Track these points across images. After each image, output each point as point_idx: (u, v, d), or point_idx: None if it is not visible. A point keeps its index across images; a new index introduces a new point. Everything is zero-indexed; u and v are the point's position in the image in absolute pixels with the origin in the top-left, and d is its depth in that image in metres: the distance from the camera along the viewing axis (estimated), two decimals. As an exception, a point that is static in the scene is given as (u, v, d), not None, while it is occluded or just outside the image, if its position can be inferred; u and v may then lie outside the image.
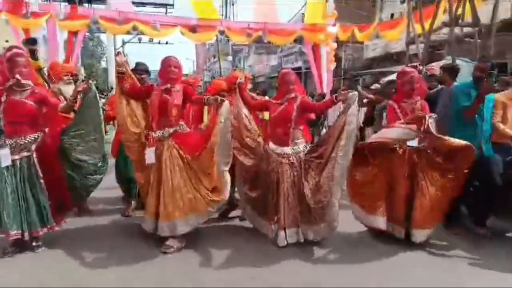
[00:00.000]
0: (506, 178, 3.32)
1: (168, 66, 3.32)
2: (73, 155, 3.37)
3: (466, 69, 5.76)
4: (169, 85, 3.29)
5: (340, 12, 9.67)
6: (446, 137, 3.23)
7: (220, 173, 3.15)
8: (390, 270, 3.00)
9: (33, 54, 3.58)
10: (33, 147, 3.12)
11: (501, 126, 3.51)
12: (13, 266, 2.96)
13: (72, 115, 3.69)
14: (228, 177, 3.18)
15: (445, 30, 6.62)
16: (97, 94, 3.45)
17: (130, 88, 3.43)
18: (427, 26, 6.80)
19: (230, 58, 31.29)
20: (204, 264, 3.05)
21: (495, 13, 5.70)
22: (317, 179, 3.29)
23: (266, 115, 4.01)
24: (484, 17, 6.06)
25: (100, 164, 3.60)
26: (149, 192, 3.36)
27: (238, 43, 30.29)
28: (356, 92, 3.29)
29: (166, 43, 21.71)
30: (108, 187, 4.47)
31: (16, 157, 3.07)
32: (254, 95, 3.98)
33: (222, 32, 9.08)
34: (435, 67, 5.97)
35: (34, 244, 3.16)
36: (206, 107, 4.10)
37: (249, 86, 4.09)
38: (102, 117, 3.47)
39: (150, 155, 3.29)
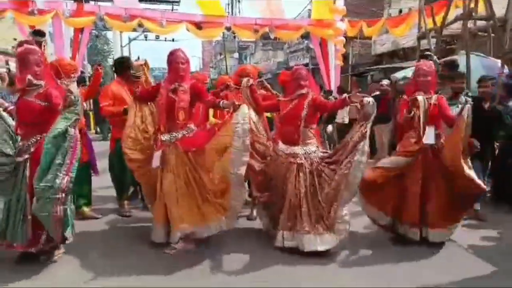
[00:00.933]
0: None
1: (175, 62, 3.17)
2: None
3: (478, 64, 5.62)
4: (176, 84, 3.15)
5: (348, 7, 9.50)
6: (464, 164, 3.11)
7: (229, 176, 3.00)
8: (402, 271, 2.91)
9: (40, 46, 3.40)
10: (32, 149, 2.91)
11: None
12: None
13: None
14: (239, 181, 3.03)
15: (457, 24, 6.45)
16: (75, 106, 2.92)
17: (141, 92, 3.36)
18: (438, 20, 6.63)
19: (236, 55, 31.21)
20: (212, 267, 2.96)
21: (510, 6, 5.51)
22: (330, 188, 3.15)
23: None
24: (499, 10, 5.88)
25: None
26: (157, 201, 3.23)
27: (244, 40, 30.23)
28: (372, 99, 3.12)
29: (172, 40, 21.69)
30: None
31: (20, 159, 2.92)
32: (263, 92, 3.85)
33: (228, 29, 8.95)
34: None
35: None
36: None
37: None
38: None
39: (157, 159, 3.18)
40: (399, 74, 8.14)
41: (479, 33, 6.27)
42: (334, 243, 3.12)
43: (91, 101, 9.84)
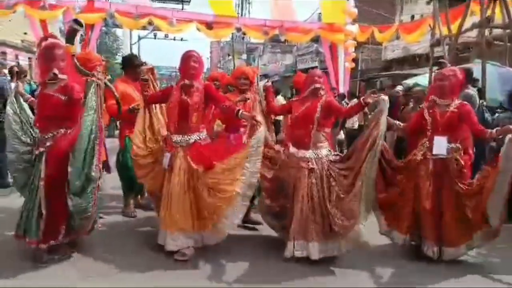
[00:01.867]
0: None
1: (188, 61, 3.12)
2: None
3: (494, 73, 5.50)
4: (187, 82, 3.09)
5: (358, 13, 9.41)
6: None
7: (234, 195, 2.91)
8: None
9: (73, 36, 3.26)
10: (48, 143, 2.86)
11: None
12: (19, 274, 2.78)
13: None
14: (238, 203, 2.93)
15: (470, 32, 6.32)
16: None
17: (151, 96, 3.30)
18: (454, 27, 6.51)
19: (244, 56, 31.19)
20: (217, 278, 2.86)
21: (529, 15, 5.39)
22: (343, 196, 3.02)
23: None
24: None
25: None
26: (162, 203, 3.15)
27: (253, 42, 30.21)
28: (386, 97, 3.00)
29: (181, 39, 21.72)
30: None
31: (37, 152, 2.90)
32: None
33: (239, 30, 8.91)
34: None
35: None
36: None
37: (261, 83, 3.87)
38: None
39: (166, 160, 3.11)
40: (410, 81, 8.03)
41: (495, 42, 6.14)
42: (344, 249, 3.04)
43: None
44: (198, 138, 3.13)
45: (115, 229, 3.74)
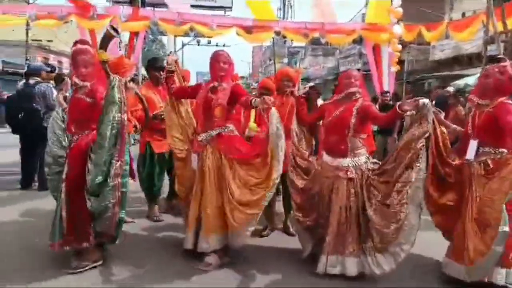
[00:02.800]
0: None
1: (217, 61, 3.07)
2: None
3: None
4: (216, 84, 3.04)
5: (404, 11, 8.98)
6: None
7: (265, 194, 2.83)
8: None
9: (107, 42, 3.30)
10: (72, 145, 2.94)
11: None
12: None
13: None
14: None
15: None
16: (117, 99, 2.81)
17: (177, 89, 3.26)
18: (510, 23, 6.01)
19: (285, 60, 31.10)
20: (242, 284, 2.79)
21: None
22: (383, 200, 2.79)
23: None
24: None
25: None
26: (191, 205, 3.12)
27: (294, 46, 30.03)
28: (427, 100, 2.70)
29: (224, 45, 22.08)
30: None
31: (63, 153, 2.99)
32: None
33: (278, 33, 8.82)
34: None
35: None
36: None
37: (301, 87, 3.75)
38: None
39: (194, 161, 3.10)
40: (460, 82, 7.54)
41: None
42: (388, 267, 2.76)
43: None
44: (223, 130, 3.05)
45: (142, 235, 3.74)
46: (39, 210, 4.33)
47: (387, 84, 8.96)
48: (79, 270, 2.87)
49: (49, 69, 6.15)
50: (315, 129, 3.49)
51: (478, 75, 6.28)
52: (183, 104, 3.38)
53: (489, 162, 2.72)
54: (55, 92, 5.31)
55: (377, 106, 6.79)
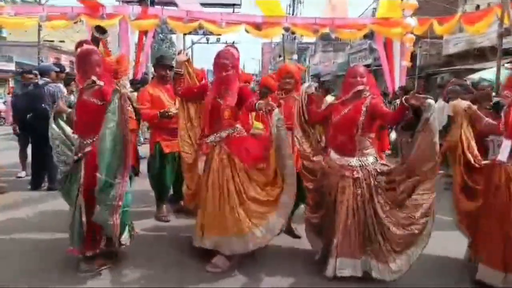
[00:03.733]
0: None
1: (219, 69, 2.99)
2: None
3: None
4: (222, 92, 3.00)
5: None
6: None
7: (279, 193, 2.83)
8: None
9: (96, 44, 3.31)
10: (87, 149, 2.90)
11: None
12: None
13: None
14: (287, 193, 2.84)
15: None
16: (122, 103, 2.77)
17: (184, 90, 3.21)
18: (526, 15, 5.83)
19: (295, 56, 30.90)
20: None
21: None
22: (395, 210, 2.74)
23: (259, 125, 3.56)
24: None
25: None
26: (201, 206, 3.10)
27: (304, 42, 29.83)
28: (432, 101, 2.57)
29: (233, 42, 22.07)
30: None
31: (75, 157, 2.96)
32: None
33: (287, 29, 8.74)
34: None
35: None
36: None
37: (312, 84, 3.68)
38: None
39: (201, 164, 3.08)
40: (474, 76, 7.35)
41: None
42: (402, 269, 2.71)
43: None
44: (232, 131, 3.02)
45: (150, 236, 3.73)
46: (48, 211, 4.37)
47: (399, 79, 8.81)
48: (89, 273, 2.89)
49: (58, 69, 6.18)
50: (325, 126, 3.42)
51: (494, 68, 6.13)
52: (193, 105, 3.34)
53: None
54: (65, 92, 5.34)
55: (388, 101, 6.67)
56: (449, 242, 3.34)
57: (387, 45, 8.94)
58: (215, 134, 3.04)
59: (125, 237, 3.00)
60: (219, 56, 3.03)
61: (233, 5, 19.06)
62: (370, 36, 10.88)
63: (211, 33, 11.89)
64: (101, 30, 3.10)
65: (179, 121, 3.36)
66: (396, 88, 8.60)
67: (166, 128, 4.01)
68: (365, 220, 2.77)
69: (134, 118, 3.98)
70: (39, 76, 5.67)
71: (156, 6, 11.71)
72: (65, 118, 3.23)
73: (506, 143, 2.73)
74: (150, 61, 10.91)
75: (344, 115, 2.88)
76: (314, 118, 3.21)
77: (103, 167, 2.68)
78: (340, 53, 24.40)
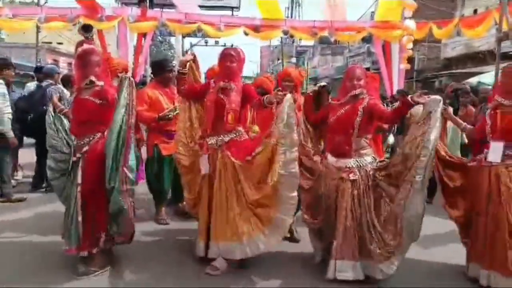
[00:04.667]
0: None
1: (225, 60, 2.96)
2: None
3: None
4: (226, 83, 2.96)
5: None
6: None
7: (280, 178, 2.70)
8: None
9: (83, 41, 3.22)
10: (85, 148, 2.87)
11: None
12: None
13: None
14: (290, 194, 2.72)
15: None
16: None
17: (187, 89, 3.16)
18: (524, 19, 5.85)
19: (293, 59, 30.99)
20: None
21: None
22: (387, 208, 2.70)
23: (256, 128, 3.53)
24: None
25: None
26: (200, 210, 3.05)
27: (303, 45, 29.92)
28: (439, 97, 2.57)
29: (232, 45, 22.06)
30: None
31: (74, 158, 2.93)
32: None
33: (286, 33, 8.76)
34: None
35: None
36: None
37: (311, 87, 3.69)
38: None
39: (204, 163, 3.00)
40: (473, 80, 7.38)
41: None
42: (390, 271, 2.69)
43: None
44: (235, 135, 2.99)
45: (149, 239, 3.68)
46: (47, 212, 4.33)
47: (397, 82, 8.83)
48: (87, 276, 2.85)
49: (59, 71, 6.13)
50: (323, 129, 3.42)
51: (493, 73, 6.15)
52: (195, 106, 3.28)
53: None
54: (67, 93, 5.31)
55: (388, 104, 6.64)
56: (449, 246, 3.33)
57: (386, 48, 8.98)
58: (217, 136, 2.99)
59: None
60: (226, 49, 3.05)
61: (232, 8, 19.14)
62: (368, 39, 10.93)
63: (210, 36, 11.86)
64: (85, 28, 3.02)
65: (178, 122, 3.30)
66: (395, 91, 8.61)
67: (163, 131, 3.99)
68: (364, 222, 2.75)
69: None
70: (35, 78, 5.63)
71: (155, 9, 11.78)
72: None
73: (496, 145, 2.76)
74: (149, 63, 10.91)
75: (340, 116, 2.86)
76: (312, 118, 3.21)
77: (110, 158, 2.66)
78: (339, 56, 24.50)
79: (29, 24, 7.96)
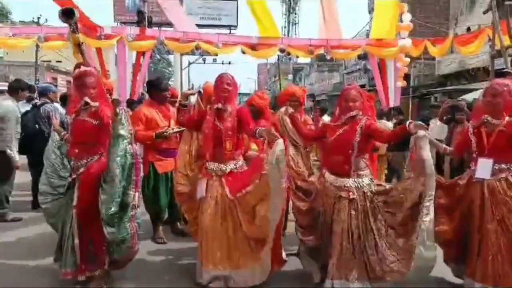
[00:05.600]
0: None
1: (221, 84, 3.02)
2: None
3: None
4: (220, 105, 3.00)
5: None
6: None
7: (269, 222, 2.74)
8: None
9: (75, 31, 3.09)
10: (81, 170, 2.86)
11: None
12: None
13: None
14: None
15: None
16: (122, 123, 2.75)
17: (186, 120, 3.23)
18: (516, 37, 5.97)
19: (290, 76, 31.31)
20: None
21: None
22: (392, 234, 2.71)
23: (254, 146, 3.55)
24: None
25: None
26: (199, 237, 3.04)
27: (299, 62, 30.30)
28: (425, 133, 2.57)
29: (229, 63, 22.36)
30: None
31: (69, 179, 2.92)
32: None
33: (282, 51, 8.88)
34: None
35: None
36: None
37: (308, 104, 3.73)
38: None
39: (201, 188, 3.01)
40: (468, 97, 7.46)
41: None
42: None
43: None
44: (234, 167, 3.03)
45: (147, 259, 3.62)
46: (44, 233, 4.26)
47: (393, 99, 8.91)
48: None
49: (56, 89, 6.15)
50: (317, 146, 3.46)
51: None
52: (197, 139, 3.30)
53: (510, 178, 2.73)
54: (63, 112, 5.31)
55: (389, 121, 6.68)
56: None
57: (381, 65, 9.10)
58: (217, 164, 3.02)
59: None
60: (222, 74, 3.10)
61: (230, 26, 19.46)
62: (364, 56, 11.08)
63: (208, 53, 12.02)
64: (66, 13, 2.83)
65: (179, 155, 3.31)
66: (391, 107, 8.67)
67: (159, 149, 3.98)
68: (360, 242, 2.74)
69: None
70: (36, 95, 5.65)
71: (153, 28, 11.93)
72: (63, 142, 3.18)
73: (485, 162, 2.78)
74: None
75: (339, 136, 2.88)
76: (306, 137, 3.24)
77: (113, 187, 2.65)
78: (335, 73, 24.80)
79: (29, 42, 8.04)
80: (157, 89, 4.05)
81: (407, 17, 8.41)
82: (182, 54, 14.08)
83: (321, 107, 11.46)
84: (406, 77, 9.59)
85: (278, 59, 15.57)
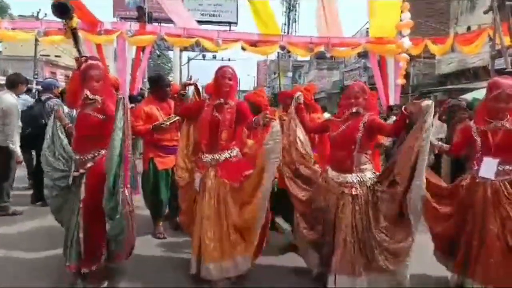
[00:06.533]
0: None
1: (222, 77, 3.00)
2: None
3: None
4: (221, 100, 2.99)
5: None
6: None
7: (258, 209, 2.78)
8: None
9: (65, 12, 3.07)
10: (89, 164, 2.85)
11: None
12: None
13: None
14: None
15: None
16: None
17: (183, 110, 3.22)
18: (517, 36, 5.97)
19: (290, 74, 31.28)
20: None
21: None
22: (391, 224, 2.73)
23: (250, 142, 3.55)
24: None
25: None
26: (194, 230, 3.03)
27: (299, 60, 30.24)
28: (431, 101, 2.57)
29: (229, 59, 22.29)
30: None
31: (76, 174, 2.89)
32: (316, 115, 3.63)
33: (283, 48, 8.86)
34: None
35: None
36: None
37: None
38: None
39: (197, 181, 3.02)
40: (468, 96, 7.46)
41: None
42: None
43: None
44: (229, 156, 3.01)
45: (147, 254, 3.62)
46: (44, 226, 4.27)
47: (393, 97, 8.91)
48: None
49: (59, 84, 6.13)
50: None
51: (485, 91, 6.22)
52: (194, 132, 3.29)
53: None
54: (65, 108, 5.30)
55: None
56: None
57: (381, 63, 9.08)
58: (212, 154, 3.01)
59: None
60: (222, 66, 3.09)
61: (230, 23, 19.43)
62: (364, 54, 11.07)
63: (208, 50, 11.97)
64: (59, 7, 2.77)
65: (179, 149, 3.30)
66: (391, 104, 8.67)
67: (159, 145, 3.98)
68: (365, 236, 2.75)
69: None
70: (34, 90, 5.63)
71: (154, 23, 11.88)
72: (63, 131, 3.18)
73: (490, 161, 2.78)
74: (147, 77, 10.98)
75: (342, 132, 2.89)
76: (309, 129, 3.27)
77: (111, 181, 2.62)
78: (335, 71, 24.77)
79: (29, 35, 7.99)
80: (159, 84, 4.05)
81: (407, 16, 8.40)
82: (181, 50, 14.06)
83: (321, 105, 11.45)
84: (406, 75, 9.59)
85: (278, 57, 15.57)
